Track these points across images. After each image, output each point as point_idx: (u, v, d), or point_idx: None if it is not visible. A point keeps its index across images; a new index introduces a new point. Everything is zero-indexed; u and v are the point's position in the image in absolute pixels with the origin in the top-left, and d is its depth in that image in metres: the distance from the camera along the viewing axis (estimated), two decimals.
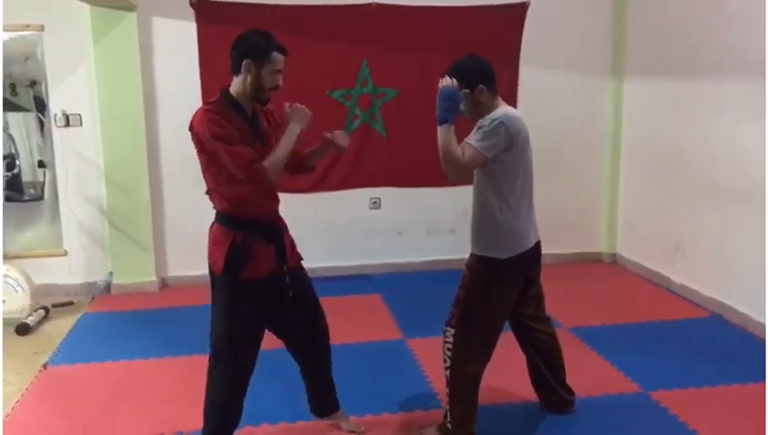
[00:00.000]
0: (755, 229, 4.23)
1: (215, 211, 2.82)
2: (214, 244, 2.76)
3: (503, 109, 2.83)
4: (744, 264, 4.35)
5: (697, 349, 4.04)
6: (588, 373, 3.37)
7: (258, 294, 2.72)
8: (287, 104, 2.84)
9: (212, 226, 2.82)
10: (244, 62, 2.63)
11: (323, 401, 3.15)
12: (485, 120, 2.77)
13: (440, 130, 2.76)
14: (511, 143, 2.76)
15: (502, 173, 2.79)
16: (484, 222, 2.86)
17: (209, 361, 2.79)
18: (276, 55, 2.66)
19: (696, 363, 3.79)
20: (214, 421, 2.81)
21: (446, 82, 2.77)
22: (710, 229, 4.69)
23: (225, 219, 2.75)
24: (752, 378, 3.61)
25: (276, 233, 2.84)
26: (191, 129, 2.67)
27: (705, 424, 3.09)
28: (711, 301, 4.64)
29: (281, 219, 2.95)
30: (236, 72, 2.68)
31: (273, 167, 2.63)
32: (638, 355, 3.90)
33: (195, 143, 2.68)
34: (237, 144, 2.57)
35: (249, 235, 2.72)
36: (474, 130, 2.80)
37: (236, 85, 2.70)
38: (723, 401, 3.37)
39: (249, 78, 2.65)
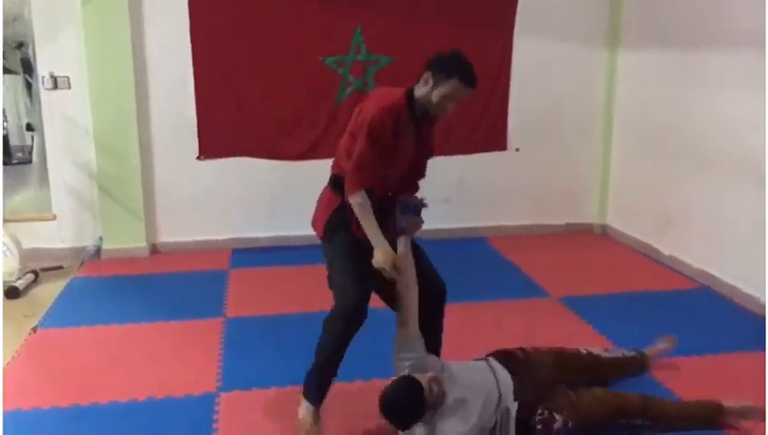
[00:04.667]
0: (746, 202, 4.25)
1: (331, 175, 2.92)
2: (324, 206, 2.91)
3: None
4: (734, 236, 4.38)
5: (685, 319, 4.08)
6: (577, 342, 3.40)
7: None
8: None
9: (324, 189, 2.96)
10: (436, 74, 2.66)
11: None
12: None
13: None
14: None
15: None
16: None
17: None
18: (456, 83, 2.65)
19: (683, 333, 3.79)
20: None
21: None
22: (701, 201, 4.71)
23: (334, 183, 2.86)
24: (737, 348, 3.65)
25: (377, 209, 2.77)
26: (362, 110, 2.72)
27: (690, 392, 3.12)
28: (699, 272, 4.68)
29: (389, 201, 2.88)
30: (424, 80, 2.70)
31: (357, 205, 2.70)
32: (626, 324, 3.93)
33: (355, 117, 2.75)
34: (375, 157, 2.65)
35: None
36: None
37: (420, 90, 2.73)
38: (708, 370, 3.42)
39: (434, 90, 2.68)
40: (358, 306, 2.68)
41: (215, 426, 2.93)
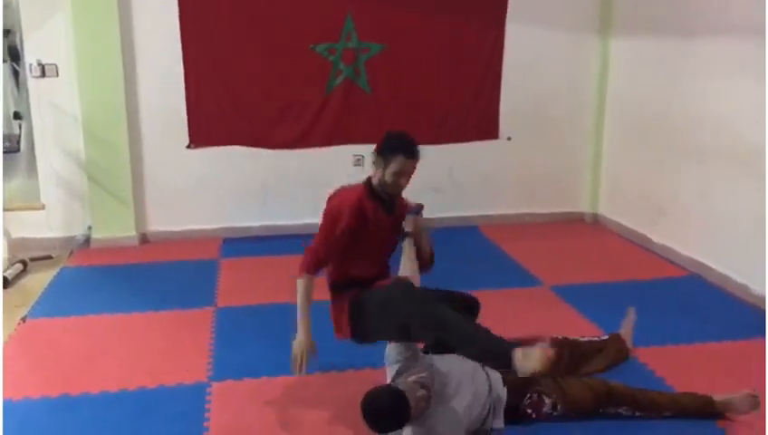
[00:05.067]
0: (737, 191, 4.26)
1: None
2: (338, 316, 2.96)
3: None
4: (726, 225, 4.39)
5: (676, 308, 4.09)
6: (568, 330, 3.41)
7: None
8: None
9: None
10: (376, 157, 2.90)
11: None
12: None
13: None
14: None
15: None
16: None
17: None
18: (400, 159, 2.84)
19: (674, 321, 3.84)
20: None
21: None
22: (692, 190, 4.71)
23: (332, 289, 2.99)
24: (728, 336, 3.66)
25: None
26: (325, 210, 2.90)
27: (680, 380, 3.13)
28: (690, 261, 4.69)
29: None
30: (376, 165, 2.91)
31: (300, 285, 2.82)
32: (618, 313, 3.89)
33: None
34: (330, 245, 2.82)
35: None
36: None
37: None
38: (699, 359, 3.43)
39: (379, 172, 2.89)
40: (434, 306, 2.68)
41: (206, 415, 2.91)
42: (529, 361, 2.43)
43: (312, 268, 2.81)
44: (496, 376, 2.79)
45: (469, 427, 2.65)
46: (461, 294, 3.05)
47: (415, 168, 2.88)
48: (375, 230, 2.88)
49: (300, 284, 2.80)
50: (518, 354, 2.47)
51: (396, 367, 2.71)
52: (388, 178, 2.83)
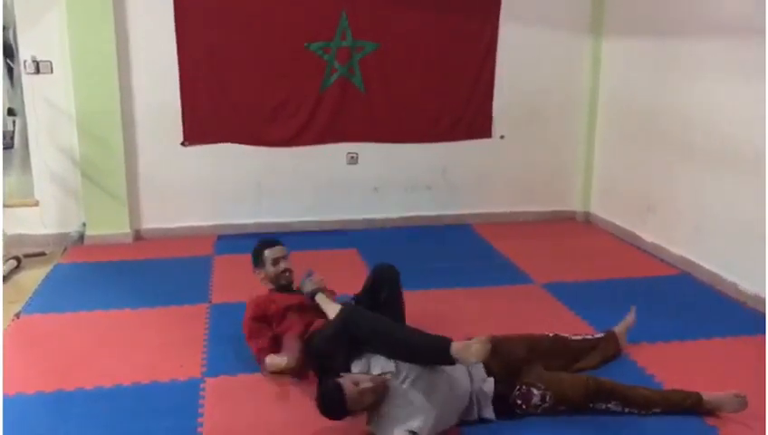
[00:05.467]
0: (727, 189, 4.31)
1: None
2: None
3: None
4: (715, 223, 4.43)
5: (666, 305, 4.13)
6: (560, 328, 3.44)
7: None
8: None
9: None
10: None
11: None
12: None
13: None
14: None
15: None
16: None
17: None
18: (267, 253, 3.48)
19: (665, 319, 3.88)
20: None
21: None
22: (682, 189, 4.76)
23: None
24: (718, 333, 3.71)
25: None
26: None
27: (671, 377, 3.17)
28: (681, 259, 4.74)
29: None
30: None
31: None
32: (608, 311, 3.94)
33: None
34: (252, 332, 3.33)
35: None
36: None
37: None
38: (689, 356, 3.47)
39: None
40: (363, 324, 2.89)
41: (200, 411, 2.93)
42: (467, 353, 2.59)
43: (256, 349, 3.28)
44: (478, 367, 2.85)
45: (450, 418, 2.72)
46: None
47: (284, 251, 3.49)
48: (288, 315, 3.30)
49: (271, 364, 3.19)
50: (457, 347, 2.61)
51: (362, 362, 2.81)
52: (271, 273, 3.44)
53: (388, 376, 2.69)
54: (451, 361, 2.64)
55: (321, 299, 3.24)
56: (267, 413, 2.93)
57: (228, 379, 3.21)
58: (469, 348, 2.59)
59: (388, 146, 5.66)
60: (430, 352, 2.71)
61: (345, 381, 2.62)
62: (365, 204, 5.74)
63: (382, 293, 3.24)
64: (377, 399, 2.63)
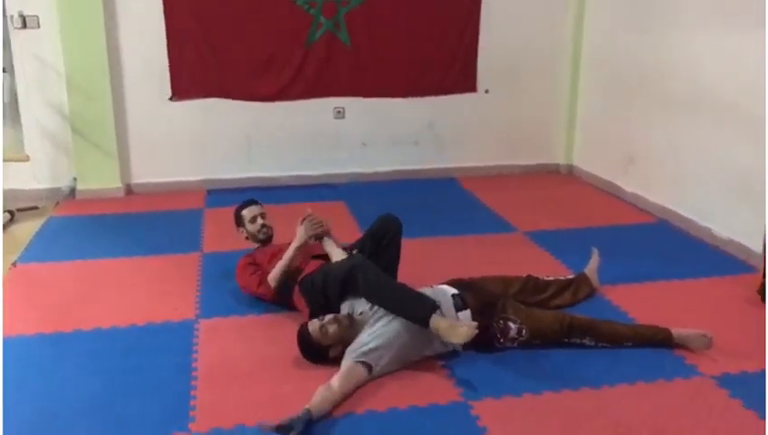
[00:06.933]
0: (703, 139, 4.43)
1: None
2: None
3: None
4: (692, 172, 4.57)
5: (643, 250, 4.28)
6: (543, 271, 3.57)
7: None
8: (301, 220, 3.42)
9: None
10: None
11: None
12: None
13: None
14: None
15: None
16: None
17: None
18: (245, 212, 3.72)
19: (641, 263, 4.03)
20: None
21: None
22: (662, 140, 4.87)
23: None
24: (690, 275, 3.87)
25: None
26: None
27: (643, 314, 3.33)
28: (659, 208, 4.88)
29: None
30: None
31: (272, 279, 3.37)
32: (588, 256, 4.11)
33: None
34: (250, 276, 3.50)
35: None
36: None
37: None
38: (661, 295, 3.63)
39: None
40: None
41: (195, 348, 3.06)
42: (452, 333, 2.72)
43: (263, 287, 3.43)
44: (444, 295, 3.00)
45: (410, 355, 2.86)
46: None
47: (261, 209, 3.71)
48: (272, 255, 3.51)
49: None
50: (444, 325, 2.75)
51: (347, 303, 3.03)
52: (252, 230, 3.66)
53: (359, 314, 2.89)
54: (427, 326, 2.78)
55: (327, 243, 3.38)
56: (259, 350, 3.05)
57: (221, 320, 3.34)
58: (456, 329, 2.72)
59: (375, 101, 5.72)
60: (412, 314, 2.83)
61: (312, 321, 2.87)
62: (352, 158, 5.83)
63: (384, 240, 3.39)
64: (341, 332, 2.82)
